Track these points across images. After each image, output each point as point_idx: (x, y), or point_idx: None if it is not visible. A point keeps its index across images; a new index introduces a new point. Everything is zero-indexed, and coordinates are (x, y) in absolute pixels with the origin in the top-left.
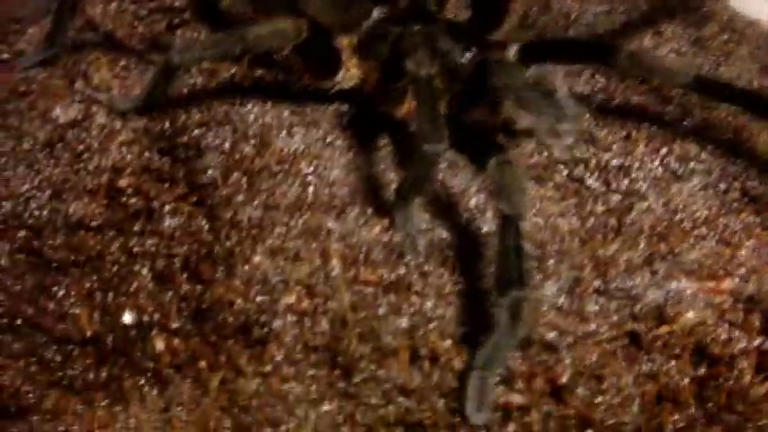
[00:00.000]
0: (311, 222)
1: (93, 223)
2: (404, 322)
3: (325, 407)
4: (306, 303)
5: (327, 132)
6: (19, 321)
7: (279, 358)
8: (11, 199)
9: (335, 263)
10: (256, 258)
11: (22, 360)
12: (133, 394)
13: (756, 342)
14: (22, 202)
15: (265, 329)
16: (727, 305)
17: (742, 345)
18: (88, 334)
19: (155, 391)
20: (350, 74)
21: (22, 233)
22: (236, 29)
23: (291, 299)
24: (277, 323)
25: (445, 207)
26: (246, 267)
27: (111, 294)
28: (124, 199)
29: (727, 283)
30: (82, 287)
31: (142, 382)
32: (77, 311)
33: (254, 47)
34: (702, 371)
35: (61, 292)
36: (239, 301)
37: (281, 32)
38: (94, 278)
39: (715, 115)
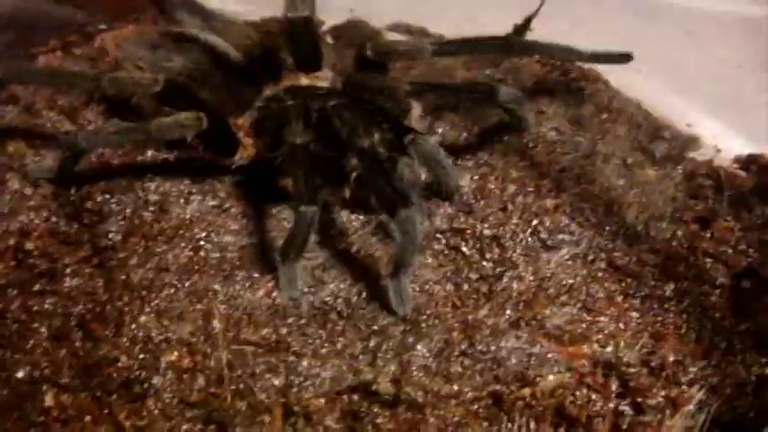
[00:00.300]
0: (199, 284)
1: None
2: (279, 381)
3: None
4: (186, 361)
5: (222, 200)
6: None
7: (156, 413)
8: None
9: (217, 323)
10: (142, 318)
11: None
12: None
13: (612, 404)
14: None
15: (145, 385)
16: (586, 369)
17: (599, 407)
18: None
19: None
20: (247, 151)
21: None
22: (141, 121)
23: (173, 356)
24: (156, 379)
25: (328, 270)
26: (133, 326)
27: (9, 351)
28: (30, 260)
29: (586, 349)
30: None
31: None
32: None
33: (158, 136)
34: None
35: None
36: (124, 358)
37: (183, 124)
38: None
39: (588, 189)
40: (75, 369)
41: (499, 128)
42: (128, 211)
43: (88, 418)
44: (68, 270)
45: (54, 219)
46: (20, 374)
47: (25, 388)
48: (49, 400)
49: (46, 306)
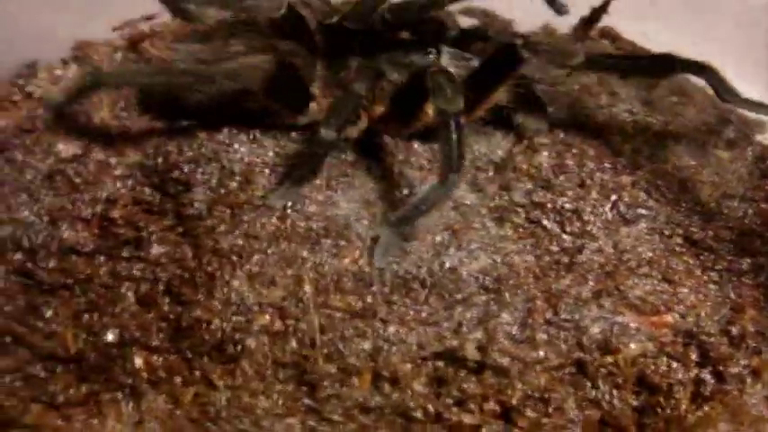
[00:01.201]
0: (287, 251)
1: (85, 249)
2: (367, 345)
3: (290, 420)
4: (278, 324)
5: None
6: (8, 339)
7: (250, 373)
8: (11, 224)
9: (308, 288)
10: (235, 282)
11: (8, 376)
12: (110, 408)
13: (693, 373)
14: (20, 228)
15: (239, 347)
16: (667, 339)
17: (679, 376)
18: (72, 352)
19: (131, 405)
20: (320, 106)
21: (17, 256)
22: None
23: (265, 320)
24: (250, 341)
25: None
26: (225, 290)
27: (96, 315)
28: (115, 228)
29: (667, 319)
30: (70, 308)
31: (119, 396)
32: (64, 330)
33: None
34: (643, 399)
35: (50, 313)
36: (216, 321)
37: (257, 66)
38: (82, 300)
39: (662, 168)
40: (165, 332)
41: (573, 109)
42: (213, 181)
43: (179, 379)
44: (154, 237)
45: (139, 188)
46: (109, 337)
47: (114, 350)
48: (138, 362)
49: (133, 272)
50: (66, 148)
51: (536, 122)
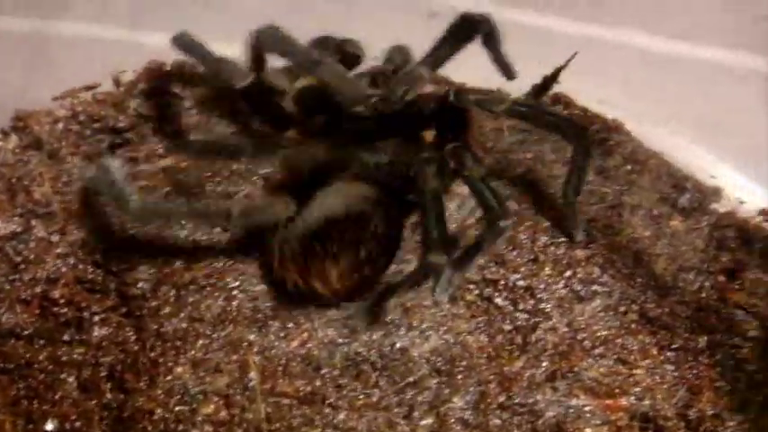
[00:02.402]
0: (233, 335)
1: (24, 332)
2: None
3: None
4: (223, 413)
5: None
6: None
7: None
8: None
9: (254, 375)
10: (178, 369)
11: None
12: None
13: None
14: None
15: None
16: (623, 422)
17: None
18: None
19: None
20: None
21: None
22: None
23: (210, 409)
24: None
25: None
26: (168, 377)
27: (36, 402)
28: (56, 309)
29: (623, 402)
30: (8, 395)
31: None
32: (2, 419)
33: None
34: None
35: None
36: (159, 410)
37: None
38: (22, 385)
39: (617, 240)
40: (106, 421)
41: (526, 179)
42: (159, 258)
43: None
44: (96, 319)
45: (81, 266)
46: (48, 427)
47: None
48: None
49: (74, 356)
50: (5, 225)
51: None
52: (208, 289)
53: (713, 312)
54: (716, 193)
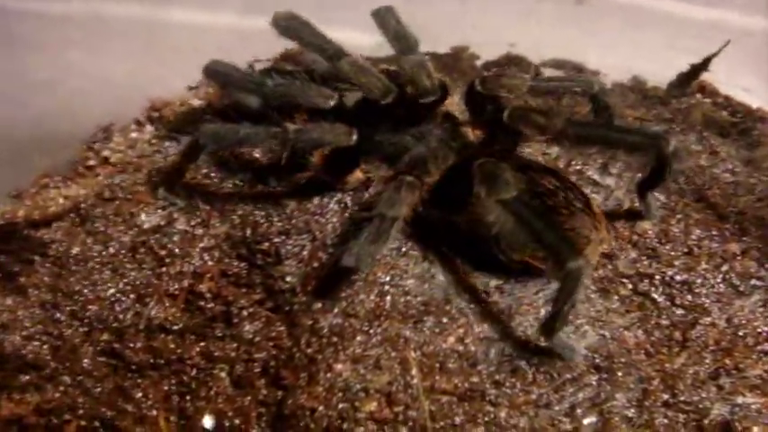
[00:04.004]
0: (390, 331)
1: (174, 327)
2: (480, 431)
3: None
4: (386, 411)
5: (401, 243)
6: (96, 423)
7: None
8: (97, 302)
9: (415, 372)
10: (338, 366)
11: None
12: None
13: None
14: (106, 306)
15: None
16: None
17: None
18: None
19: None
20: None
21: (105, 336)
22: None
23: (372, 407)
24: (359, 430)
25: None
26: (329, 375)
27: (189, 398)
28: (203, 303)
29: None
30: (160, 390)
31: None
32: (155, 414)
33: (298, 143)
34: None
35: (140, 395)
36: (321, 408)
37: (336, 132)
38: (173, 381)
39: None
40: (266, 417)
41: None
42: (304, 253)
43: None
44: (245, 313)
45: (226, 260)
46: (206, 424)
47: None
48: None
49: (226, 351)
50: (148, 218)
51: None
52: (359, 284)
53: None
54: None
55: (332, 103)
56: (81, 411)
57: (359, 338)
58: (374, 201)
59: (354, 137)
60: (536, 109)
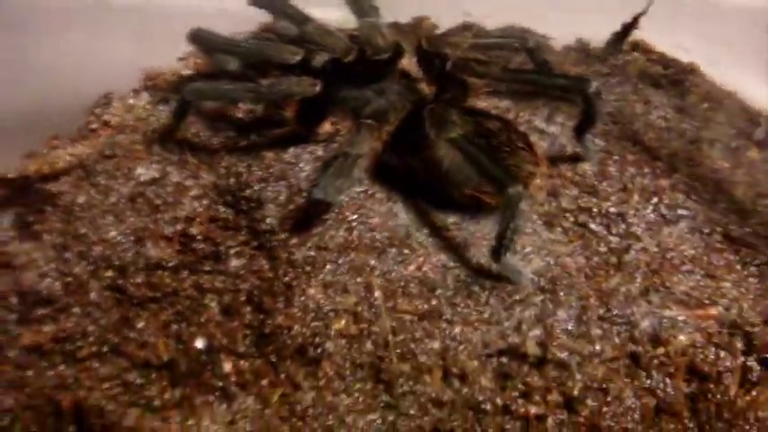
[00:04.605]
0: (356, 261)
1: (170, 264)
2: (436, 345)
3: (371, 416)
4: (353, 328)
5: (368, 187)
6: (105, 349)
7: (331, 374)
8: (101, 244)
9: (378, 294)
10: (311, 290)
11: (107, 383)
12: (204, 410)
13: (740, 361)
14: (109, 247)
15: (319, 350)
16: (713, 330)
17: (727, 363)
18: (165, 359)
19: (223, 407)
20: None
21: (109, 273)
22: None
23: (341, 324)
24: (329, 345)
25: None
26: (302, 298)
27: (184, 325)
28: (195, 244)
29: (712, 311)
30: (159, 319)
31: (212, 399)
32: (155, 340)
33: (270, 96)
34: (694, 386)
35: (141, 324)
36: (296, 327)
37: (300, 84)
38: (170, 311)
39: (698, 170)
40: (249, 338)
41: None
42: (282, 197)
43: (265, 381)
44: (232, 251)
45: (214, 206)
46: (198, 344)
47: (204, 357)
48: (227, 367)
49: (216, 284)
50: (144, 172)
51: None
52: (330, 222)
53: None
54: None
55: (298, 58)
56: (91, 339)
57: (329, 267)
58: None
59: (318, 87)
60: (475, 59)
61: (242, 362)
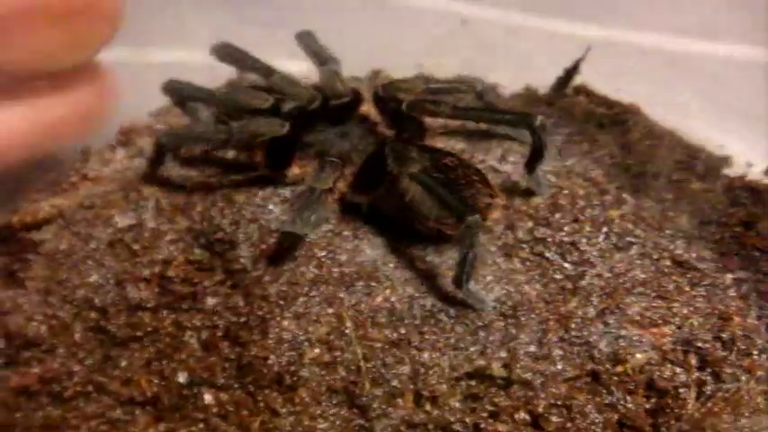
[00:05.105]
0: (326, 293)
1: (149, 305)
2: (407, 369)
3: None
4: (327, 356)
5: (335, 226)
6: (90, 388)
7: (307, 399)
8: (83, 287)
9: (348, 324)
10: (284, 323)
11: (93, 421)
12: None
13: (694, 376)
14: (91, 290)
15: (295, 378)
16: (668, 347)
17: (683, 378)
18: (148, 395)
19: None
20: (295, 172)
21: (92, 314)
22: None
23: (314, 353)
24: (304, 372)
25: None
26: (277, 330)
27: (165, 361)
28: (173, 285)
29: (665, 330)
30: (142, 357)
31: (195, 431)
32: (138, 377)
33: (240, 136)
34: (654, 401)
35: (124, 363)
36: (272, 357)
37: (268, 124)
38: (152, 349)
39: (645, 202)
40: (228, 371)
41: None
42: (254, 238)
43: (245, 411)
44: (208, 290)
45: (190, 249)
46: (180, 379)
47: (186, 391)
48: (208, 398)
49: (194, 322)
50: (122, 219)
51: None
52: (300, 259)
53: (735, 255)
54: (726, 160)
55: (269, 104)
56: (76, 378)
57: (301, 300)
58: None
59: (286, 128)
60: (427, 99)
61: (222, 394)
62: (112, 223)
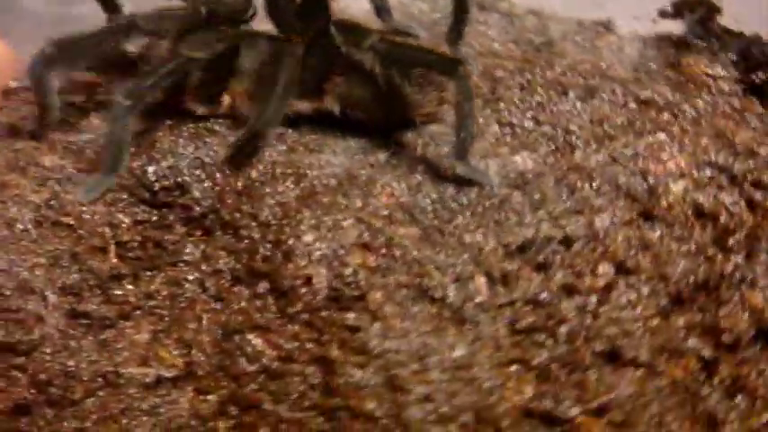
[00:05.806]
0: (328, 203)
1: (124, 271)
2: (466, 255)
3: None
4: (371, 259)
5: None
6: (101, 381)
7: (382, 300)
8: (37, 269)
9: (375, 222)
10: (306, 237)
11: (124, 418)
12: None
13: (735, 191)
14: (49, 272)
15: (354, 287)
16: (695, 174)
17: (727, 198)
18: (180, 365)
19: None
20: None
21: (64, 299)
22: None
23: (360, 259)
24: (360, 278)
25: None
26: (302, 247)
27: (176, 327)
28: (134, 251)
29: (681, 159)
30: (145, 330)
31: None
32: (156, 350)
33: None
34: (710, 226)
35: (125, 342)
36: (314, 278)
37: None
38: (152, 318)
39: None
40: (266, 309)
41: None
42: (203, 176)
43: (310, 343)
44: (179, 244)
45: (132, 208)
46: (209, 337)
47: (226, 344)
48: (258, 344)
49: (188, 277)
50: (34, 197)
51: None
52: (271, 181)
53: None
54: None
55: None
56: (81, 375)
57: (307, 213)
58: None
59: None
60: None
61: (271, 335)
62: (26, 203)
